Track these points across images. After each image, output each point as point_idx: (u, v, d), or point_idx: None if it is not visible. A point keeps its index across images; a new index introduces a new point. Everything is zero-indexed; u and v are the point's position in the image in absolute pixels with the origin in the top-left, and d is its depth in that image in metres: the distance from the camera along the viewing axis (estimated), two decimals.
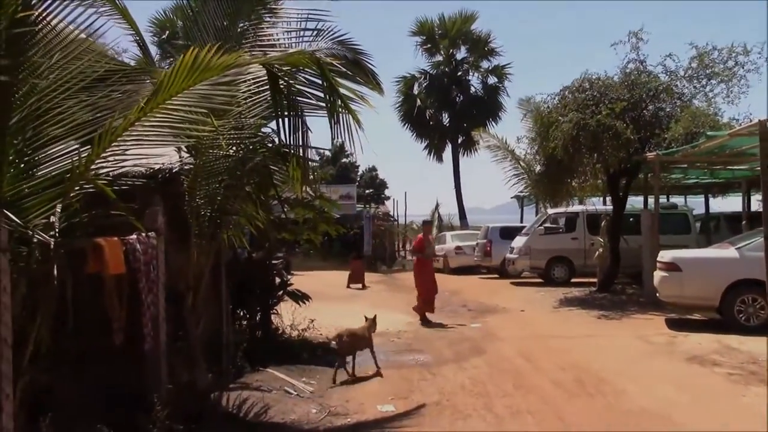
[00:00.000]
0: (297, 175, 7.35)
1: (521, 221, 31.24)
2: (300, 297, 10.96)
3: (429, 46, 37.65)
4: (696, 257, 12.23)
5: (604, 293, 17.18)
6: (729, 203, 28.25)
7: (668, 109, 16.64)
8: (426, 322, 14.07)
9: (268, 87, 6.83)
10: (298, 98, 5.91)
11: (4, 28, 3.91)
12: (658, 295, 12.53)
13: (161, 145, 5.32)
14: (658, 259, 12.52)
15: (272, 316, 10.98)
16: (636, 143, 15.51)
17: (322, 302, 17.22)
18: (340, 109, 5.49)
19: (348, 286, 23.21)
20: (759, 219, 20.04)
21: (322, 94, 5.62)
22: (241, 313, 10.40)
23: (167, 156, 7.81)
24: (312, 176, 11.07)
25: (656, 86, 16.42)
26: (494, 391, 8.10)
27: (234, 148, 7.27)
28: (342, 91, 5.48)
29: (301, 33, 7.90)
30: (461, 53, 37.85)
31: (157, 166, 7.06)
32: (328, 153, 45.24)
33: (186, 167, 7.38)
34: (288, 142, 6.33)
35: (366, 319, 9.97)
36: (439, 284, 23.15)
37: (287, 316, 11.32)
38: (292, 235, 11.22)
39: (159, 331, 5.93)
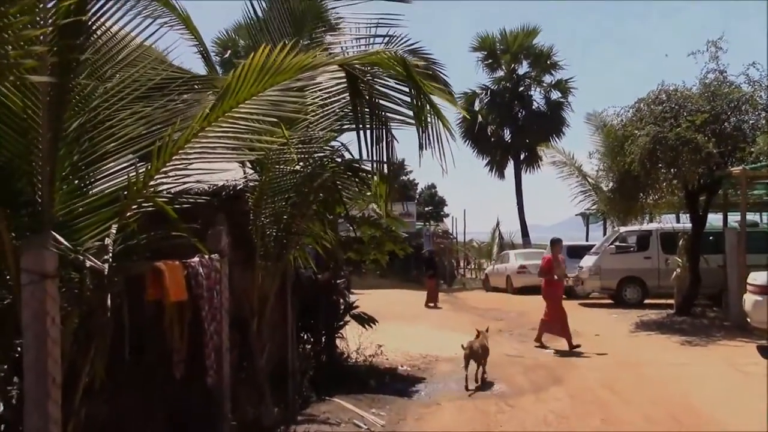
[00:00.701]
0: (381, 191, 6.84)
1: (587, 239, 30.26)
2: (366, 320, 10.43)
3: (490, 61, 37.01)
4: None
5: (684, 317, 16.19)
6: None
7: (752, 122, 15.65)
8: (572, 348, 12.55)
9: (337, 97, 6.38)
10: (381, 102, 5.35)
11: (57, 24, 3.47)
12: (749, 320, 11.62)
13: (226, 159, 4.87)
14: (750, 281, 11.63)
15: (337, 340, 10.48)
16: (717, 158, 14.62)
17: (385, 322, 16.62)
18: (429, 116, 4.92)
19: (427, 305, 22.72)
20: None
21: (408, 99, 5.04)
22: (306, 337, 9.93)
23: (231, 172, 7.42)
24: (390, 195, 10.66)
25: (738, 97, 15.48)
26: (581, 427, 7.41)
27: (302, 162, 6.80)
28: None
29: (371, 40, 7.41)
30: (523, 68, 37.18)
31: (220, 183, 6.66)
32: (410, 168, 44.85)
33: (251, 184, 6.96)
34: (369, 155, 5.80)
35: (478, 333, 10.53)
36: (505, 305, 22.64)
37: (352, 339, 10.81)
38: (358, 254, 10.72)
39: (222, 362, 5.44)
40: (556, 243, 14.62)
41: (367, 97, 5.20)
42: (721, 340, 13.04)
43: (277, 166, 6.64)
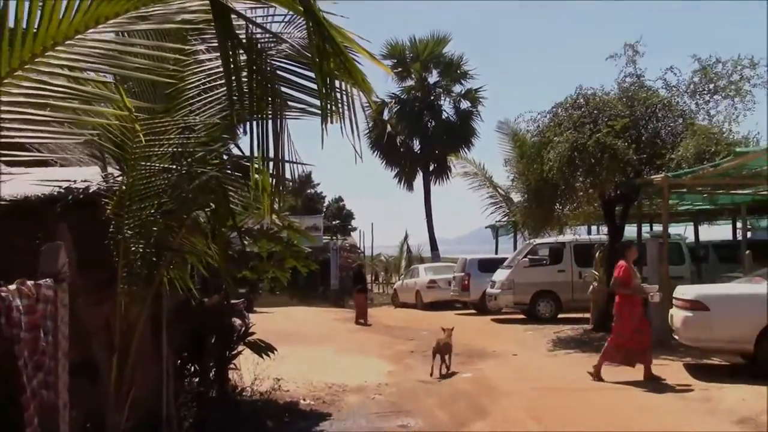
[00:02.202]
0: (265, 198, 5.50)
1: (496, 252, 29.71)
2: (263, 348, 9.04)
3: (400, 69, 36.09)
4: (726, 294, 10.54)
5: (602, 332, 15.43)
6: (713, 232, 27.05)
7: (669, 128, 15.14)
8: (654, 379, 10.21)
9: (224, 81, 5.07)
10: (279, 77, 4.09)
11: None
12: (677, 337, 10.86)
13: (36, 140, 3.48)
14: (677, 295, 10.87)
15: (230, 372, 9.08)
16: (637, 165, 14.01)
17: (288, 345, 15.21)
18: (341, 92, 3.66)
19: (357, 322, 21.98)
20: (764, 248, 18.92)
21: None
22: (193, 370, 8.50)
23: (86, 171, 6.00)
24: (282, 201, 9.39)
25: (656, 102, 14.97)
26: None
27: (179, 158, 5.44)
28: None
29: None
30: (433, 77, 36.42)
31: (66, 184, 5.27)
32: (308, 168, 43.57)
33: (113, 186, 5.57)
34: (260, 147, 4.52)
35: (444, 330, 12.22)
36: (416, 323, 21.57)
37: (249, 369, 9.45)
38: (254, 273, 9.34)
39: (59, 424, 4.03)
40: (629, 248, 11.60)
41: (246, 44, 3.88)
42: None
43: (144, 164, 5.27)
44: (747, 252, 16.19)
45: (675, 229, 25.20)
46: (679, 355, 12.00)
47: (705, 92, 15.09)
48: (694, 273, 19.44)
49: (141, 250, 5.51)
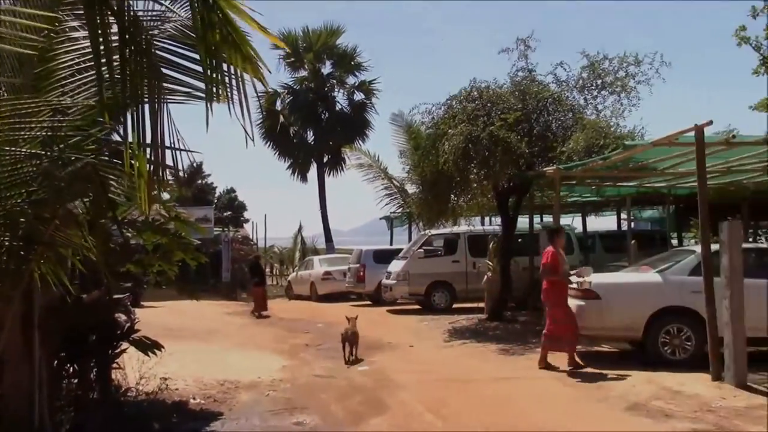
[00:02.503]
0: (142, 186, 5.05)
1: (391, 243, 29.76)
2: (149, 346, 8.51)
3: (293, 60, 35.49)
4: (617, 283, 10.78)
5: (496, 322, 15.68)
6: (599, 223, 28.04)
7: (561, 121, 15.43)
8: (577, 367, 10.16)
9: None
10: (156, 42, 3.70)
11: None
12: None
13: None
14: (574, 285, 11.05)
15: (114, 372, 8.51)
16: (529, 157, 14.21)
17: (177, 341, 14.67)
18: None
19: (253, 314, 21.76)
20: (646, 238, 19.64)
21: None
22: (72, 370, 7.90)
23: None
24: (166, 190, 8.89)
25: (547, 96, 15.22)
26: None
27: (49, 145, 4.93)
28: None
29: None
30: (327, 68, 35.99)
31: None
32: (199, 158, 42.46)
33: None
34: (132, 129, 4.11)
35: (348, 319, 12.41)
36: (311, 315, 21.26)
37: (136, 366, 8.91)
38: (139, 267, 8.79)
39: None
40: (557, 233, 11.19)
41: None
42: (537, 347, 12.37)
43: (10, 148, 4.74)
44: (632, 242, 16.77)
45: (564, 220, 26.01)
46: None
47: (593, 87, 15.49)
48: (582, 262, 19.99)
49: (7, 244, 4.98)
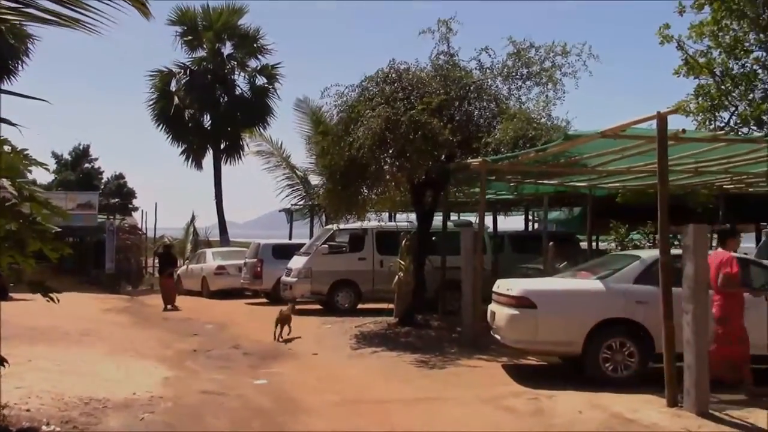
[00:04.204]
0: None
1: (290, 237, 28.07)
2: None
3: (191, 38, 33.17)
4: (554, 290, 9.47)
5: (407, 327, 14.29)
6: (506, 223, 27.24)
7: (483, 111, 14.23)
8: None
9: None
10: None
11: None
12: (499, 337, 9.76)
13: None
14: (500, 290, 9.79)
15: None
16: (453, 147, 12.91)
17: (41, 345, 12.66)
18: None
19: (167, 308, 20.56)
20: (557, 240, 18.78)
21: None
22: None
23: None
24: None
25: (470, 83, 13.99)
26: None
27: None
28: None
29: None
30: (227, 49, 33.82)
31: None
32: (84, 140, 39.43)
33: None
34: None
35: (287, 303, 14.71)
36: (201, 313, 19.34)
37: None
38: None
39: None
40: (733, 235, 8.95)
41: None
42: (459, 358, 11.15)
43: None
44: (550, 243, 15.78)
45: (472, 219, 25.07)
46: (493, 354, 11.03)
47: (518, 77, 14.37)
48: (494, 264, 18.97)
49: None
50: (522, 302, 9.12)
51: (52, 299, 6.79)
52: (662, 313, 7.57)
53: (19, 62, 29.66)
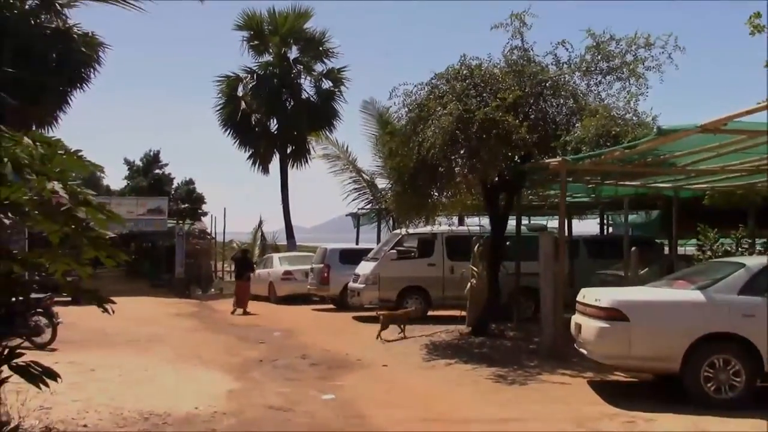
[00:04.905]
0: None
1: (357, 242, 27.61)
2: (40, 375, 6.22)
3: (257, 42, 33.01)
4: (649, 301, 8.60)
5: (481, 337, 13.57)
6: (580, 227, 26.19)
7: (561, 108, 13.41)
8: None
9: None
10: None
11: None
12: (586, 352, 8.98)
13: None
14: (586, 300, 9.01)
15: None
16: (530, 146, 12.13)
17: (107, 351, 12.47)
18: None
19: (239, 312, 20.67)
20: (649, 246, 17.77)
21: None
22: None
23: None
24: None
25: (546, 79, 13.19)
26: None
27: None
28: None
29: None
30: (293, 53, 33.52)
31: None
32: (155, 146, 39.93)
33: None
34: None
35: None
36: (268, 320, 18.97)
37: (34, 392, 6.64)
38: (21, 267, 6.47)
39: None
40: None
41: None
42: (540, 372, 10.36)
43: None
44: (632, 249, 14.80)
45: (544, 223, 24.16)
46: (577, 369, 10.22)
47: (597, 72, 13.48)
48: (570, 270, 18.06)
49: None
50: (613, 314, 8.31)
51: (106, 310, 6.34)
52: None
53: (91, 70, 30.13)
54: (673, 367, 8.16)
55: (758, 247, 15.34)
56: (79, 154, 6.57)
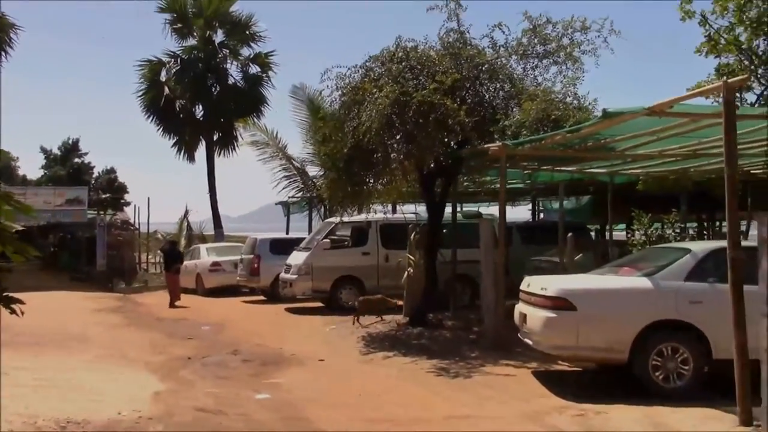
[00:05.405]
0: None
1: (287, 231, 26.92)
2: None
3: (180, 26, 31.76)
4: (595, 290, 8.34)
5: (419, 327, 13.21)
6: (512, 213, 26.10)
7: (499, 91, 13.12)
8: None
9: None
10: None
11: None
12: (532, 342, 8.68)
13: None
14: (531, 289, 8.72)
15: None
16: (468, 130, 11.76)
17: (22, 352, 11.57)
18: None
19: (173, 305, 19.81)
20: (581, 231, 17.73)
21: None
22: None
23: None
24: None
25: (484, 62, 12.87)
26: None
27: None
28: None
29: None
30: (219, 37, 32.40)
31: None
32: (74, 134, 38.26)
33: None
34: None
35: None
36: (196, 313, 18.18)
37: None
38: None
39: None
40: None
41: None
42: (483, 364, 10.03)
43: None
44: (569, 234, 14.65)
45: (477, 210, 23.95)
46: (520, 359, 9.96)
47: (534, 55, 13.25)
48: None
49: None
50: (560, 303, 8.03)
51: (14, 311, 5.67)
52: (732, 319, 6.47)
53: (2, 53, 28.56)
54: (621, 357, 7.93)
55: (690, 232, 15.44)
56: None
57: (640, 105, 7.99)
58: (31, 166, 50.53)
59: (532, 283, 8.80)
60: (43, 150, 49.63)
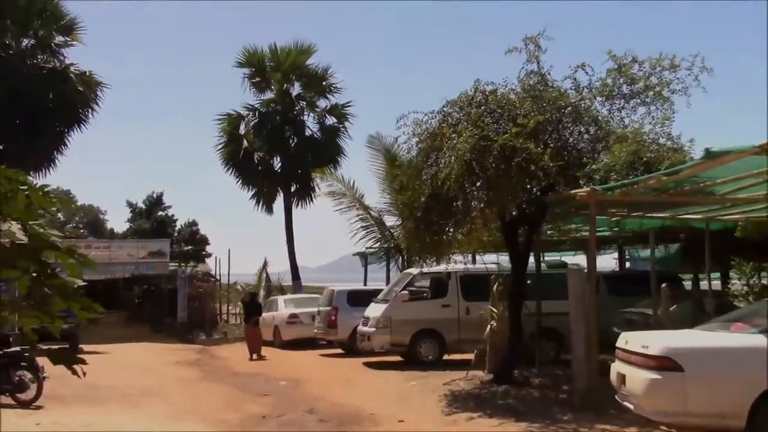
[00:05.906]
0: None
1: (365, 282, 26.54)
2: None
3: (258, 79, 32.31)
4: (705, 348, 7.56)
5: (504, 385, 12.44)
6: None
7: (583, 134, 12.48)
8: None
9: None
10: None
11: None
12: (633, 407, 7.87)
13: None
14: (630, 347, 7.95)
15: None
16: (554, 175, 11.13)
17: (95, 409, 11.41)
18: None
19: (252, 358, 19.94)
20: (673, 281, 16.66)
21: None
22: None
23: None
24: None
25: (567, 105, 12.27)
26: None
27: None
28: None
29: None
30: (296, 89, 32.77)
31: None
32: (158, 188, 39.27)
33: None
34: None
35: None
36: (272, 367, 17.84)
37: None
38: None
39: None
40: None
41: None
42: (576, 429, 9.25)
43: None
44: (663, 285, 13.70)
45: (569, 260, 22.99)
46: (617, 423, 9.10)
47: (619, 96, 12.58)
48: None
49: None
50: (665, 364, 7.24)
51: (76, 372, 5.32)
52: None
53: (89, 110, 29.52)
54: (738, 425, 7.05)
55: None
56: (45, 189, 5.61)
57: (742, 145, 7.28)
58: (118, 220, 52.17)
59: (631, 340, 8.02)
60: (129, 204, 51.19)
